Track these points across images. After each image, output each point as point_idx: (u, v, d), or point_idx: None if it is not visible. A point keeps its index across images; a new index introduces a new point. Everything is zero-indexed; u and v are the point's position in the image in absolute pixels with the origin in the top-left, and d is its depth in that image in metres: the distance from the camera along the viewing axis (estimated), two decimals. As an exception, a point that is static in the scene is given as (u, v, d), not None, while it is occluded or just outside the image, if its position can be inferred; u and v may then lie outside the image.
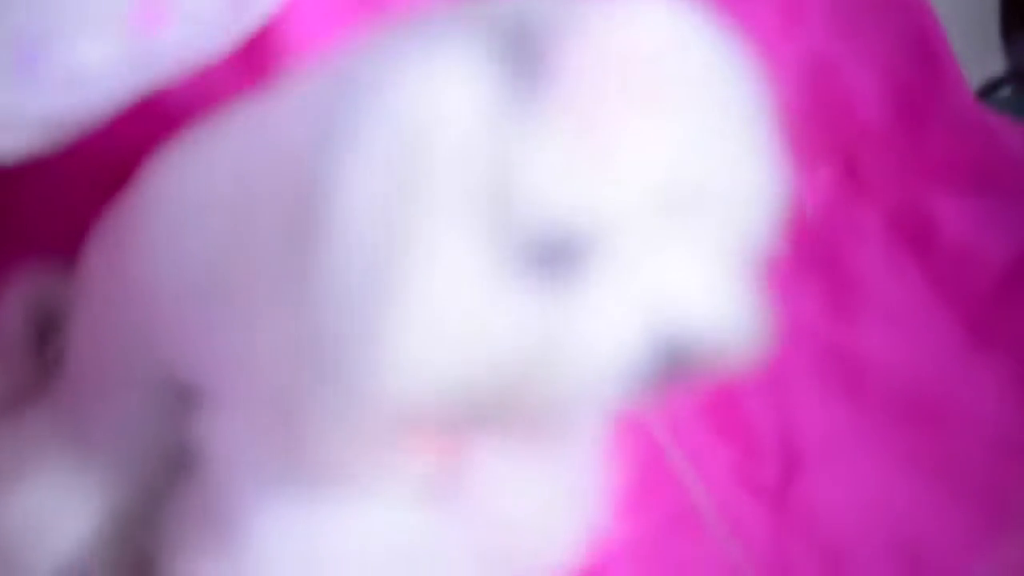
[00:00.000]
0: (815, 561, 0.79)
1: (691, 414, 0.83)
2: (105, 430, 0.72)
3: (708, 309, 0.50)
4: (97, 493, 0.72)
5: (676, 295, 0.49)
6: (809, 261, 0.89)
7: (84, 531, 0.72)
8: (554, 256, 0.49)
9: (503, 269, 0.50)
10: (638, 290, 0.49)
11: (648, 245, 0.49)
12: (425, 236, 0.49)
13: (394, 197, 0.49)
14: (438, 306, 0.49)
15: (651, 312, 0.49)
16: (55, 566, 0.72)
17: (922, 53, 0.90)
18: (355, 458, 0.56)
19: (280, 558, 0.61)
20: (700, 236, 0.50)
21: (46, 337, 0.79)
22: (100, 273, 0.73)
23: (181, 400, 0.66)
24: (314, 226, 0.50)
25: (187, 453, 0.66)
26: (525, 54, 0.50)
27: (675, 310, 0.49)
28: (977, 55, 1.24)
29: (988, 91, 1.23)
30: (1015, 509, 0.79)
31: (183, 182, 0.66)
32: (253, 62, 0.79)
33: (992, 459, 0.81)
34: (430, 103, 0.49)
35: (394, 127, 0.49)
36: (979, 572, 0.78)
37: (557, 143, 0.48)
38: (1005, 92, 1.21)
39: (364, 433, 0.54)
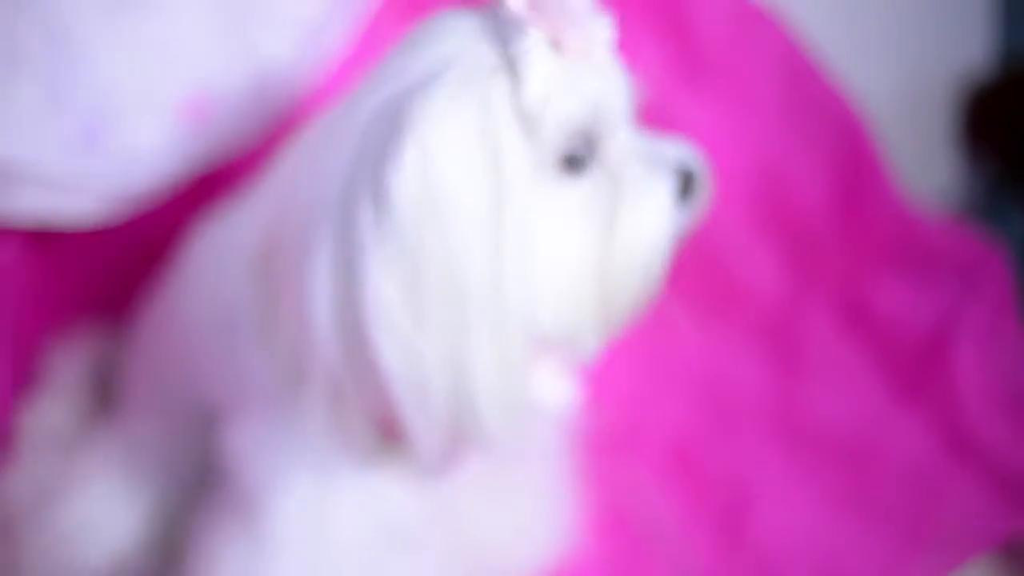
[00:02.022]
0: None
1: (655, 457, 0.96)
2: (148, 448, 0.85)
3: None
4: (140, 501, 0.85)
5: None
6: (762, 332, 1.03)
7: (129, 533, 0.85)
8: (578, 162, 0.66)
9: (561, 191, 0.66)
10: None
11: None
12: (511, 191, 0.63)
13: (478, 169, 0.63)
14: (540, 243, 0.65)
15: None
16: (102, 564, 0.85)
17: (857, 158, 1.03)
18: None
19: (293, 535, 0.73)
20: None
21: (100, 380, 0.94)
22: (149, 327, 0.87)
23: (207, 421, 0.80)
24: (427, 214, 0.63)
25: (212, 465, 0.80)
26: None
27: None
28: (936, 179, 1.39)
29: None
30: (927, 536, 0.90)
31: (216, 241, 0.81)
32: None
33: (908, 494, 0.92)
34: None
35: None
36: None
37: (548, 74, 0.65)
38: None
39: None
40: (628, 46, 0.99)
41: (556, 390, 0.78)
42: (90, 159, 0.86)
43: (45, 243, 0.93)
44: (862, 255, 1.03)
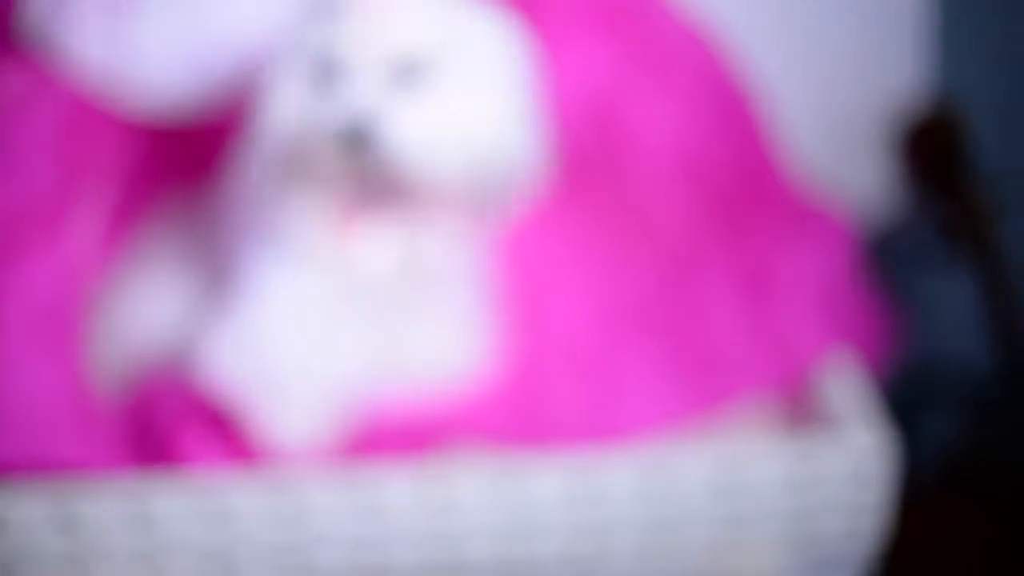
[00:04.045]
0: None
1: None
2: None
3: None
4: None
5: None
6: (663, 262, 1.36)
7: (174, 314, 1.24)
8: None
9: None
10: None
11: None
12: None
13: None
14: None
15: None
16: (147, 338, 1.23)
17: (753, 133, 1.36)
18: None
19: (268, 301, 1.15)
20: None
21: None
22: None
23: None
24: None
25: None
26: None
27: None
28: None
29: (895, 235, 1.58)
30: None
31: None
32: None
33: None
34: None
35: None
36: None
37: None
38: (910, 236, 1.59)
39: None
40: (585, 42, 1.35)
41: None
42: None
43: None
44: (749, 209, 1.35)
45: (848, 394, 1.15)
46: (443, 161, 1.08)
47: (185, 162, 1.32)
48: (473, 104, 1.09)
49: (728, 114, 1.36)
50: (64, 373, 1.15)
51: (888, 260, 1.44)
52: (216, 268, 1.23)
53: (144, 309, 1.25)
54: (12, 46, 1.27)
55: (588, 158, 1.37)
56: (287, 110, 1.10)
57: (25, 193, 1.22)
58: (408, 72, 1.07)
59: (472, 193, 1.12)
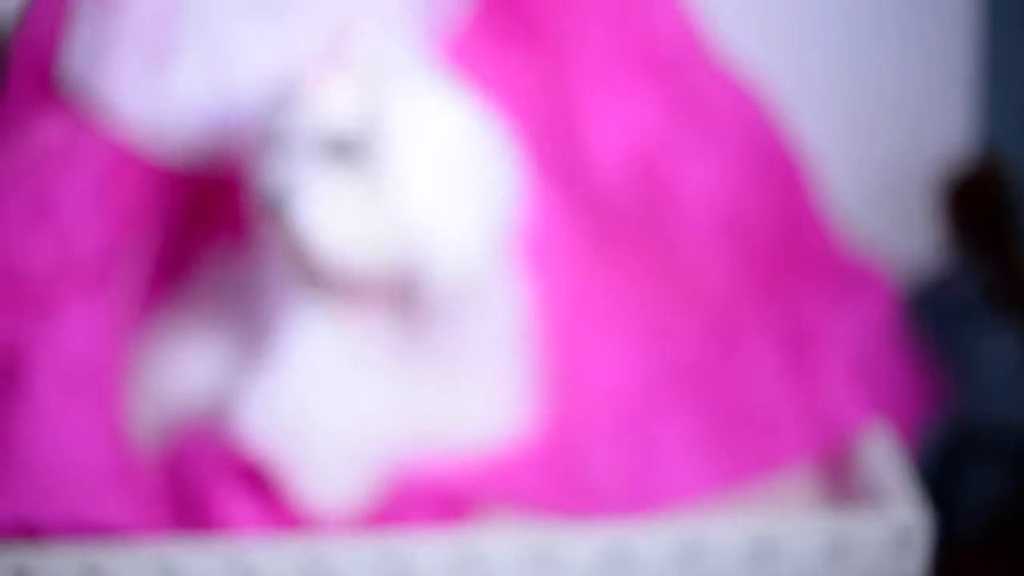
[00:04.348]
0: None
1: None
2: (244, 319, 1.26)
3: None
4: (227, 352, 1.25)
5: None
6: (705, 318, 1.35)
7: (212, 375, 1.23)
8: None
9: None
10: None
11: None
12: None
13: None
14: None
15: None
16: (185, 399, 1.22)
17: (799, 194, 1.35)
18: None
19: (302, 360, 1.15)
20: None
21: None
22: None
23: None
24: None
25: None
26: None
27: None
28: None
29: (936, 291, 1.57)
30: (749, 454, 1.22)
31: None
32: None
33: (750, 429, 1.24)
34: None
35: None
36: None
37: None
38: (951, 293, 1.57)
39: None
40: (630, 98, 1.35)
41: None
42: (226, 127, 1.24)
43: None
44: (793, 268, 1.34)
45: (887, 464, 1.14)
46: (356, 246, 1.07)
47: (225, 217, 1.32)
48: (404, 189, 1.07)
49: (773, 172, 1.35)
50: (102, 431, 1.15)
51: (931, 317, 1.43)
52: (253, 325, 1.23)
53: (182, 367, 1.26)
54: (52, 97, 1.28)
55: (631, 216, 1.36)
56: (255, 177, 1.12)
57: (66, 247, 1.23)
58: (338, 150, 1.06)
59: (393, 284, 1.10)
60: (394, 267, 1.08)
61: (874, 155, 1.51)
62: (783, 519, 1.08)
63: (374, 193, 1.06)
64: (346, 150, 1.06)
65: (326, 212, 1.06)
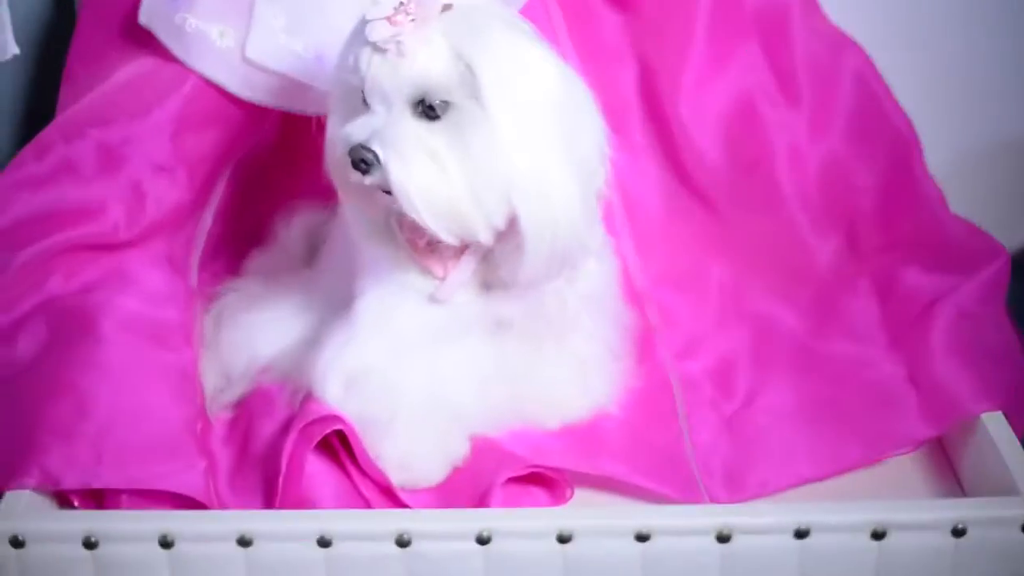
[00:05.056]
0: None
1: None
2: (318, 289, 1.22)
3: None
4: (302, 317, 1.21)
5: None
6: (809, 289, 1.30)
7: (291, 335, 1.20)
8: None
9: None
10: None
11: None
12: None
13: None
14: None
15: None
16: (271, 354, 1.20)
17: (905, 164, 1.29)
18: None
19: (368, 323, 1.11)
20: None
21: (310, 244, 1.32)
22: (341, 214, 1.21)
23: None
24: None
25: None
26: None
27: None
28: (1013, 221, 1.53)
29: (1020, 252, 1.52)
30: (869, 435, 1.15)
31: None
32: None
33: (866, 405, 1.18)
34: None
35: None
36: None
37: None
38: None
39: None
40: (736, 59, 1.31)
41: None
42: (313, 70, 1.23)
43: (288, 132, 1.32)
44: (898, 240, 1.30)
45: (1009, 448, 1.07)
46: (446, 196, 1.01)
47: (303, 175, 1.28)
48: (506, 144, 1.00)
49: (875, 137, 1.29)
50: (174, 398, 1.12)
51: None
52: (333, 288, 1.18)
53: (258, 328, 1.21)
54: (125, 38, 1.26)
55: (727, 181, 1.31)
56: (331, 134, 1.06)
57: (139, 203, 1.21)
58: (434, 104, 1.01)
59: (472, 235, 1.04)
60: (491, 222, 1.02)
61: (974, 132, 1.48)
62: (904, 505, 1.02)
63: (471, 148, 1.00)
64: (441, 104, 1.01)
65: (422, 167, 1.00)
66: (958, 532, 0.99)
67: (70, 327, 1.14)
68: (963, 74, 1.48)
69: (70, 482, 1.03)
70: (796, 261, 1.31)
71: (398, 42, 0.99)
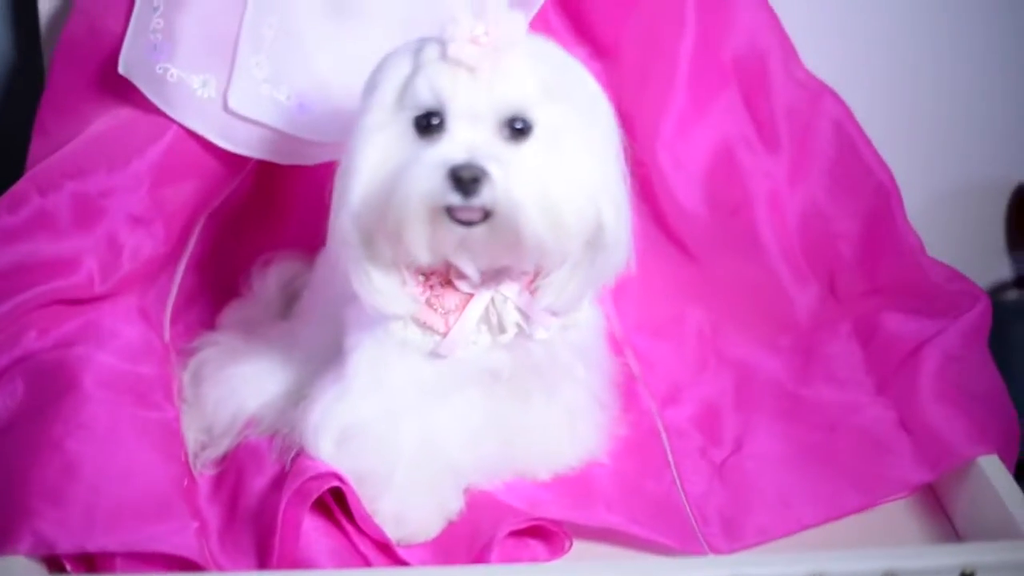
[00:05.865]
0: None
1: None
2: (304, 341, 1.20)
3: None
4: (288, 369, 1.19)
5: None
6: (791, 336, 1.31)
7: (277, 388, 1.19)
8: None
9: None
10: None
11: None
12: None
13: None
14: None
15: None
16: (255, 408, 1.19)
17: (885, 210, 1.30)
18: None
19: (361, 378, 1.09)
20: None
21: (288, 294, 1.30)
22: (322, 265, 1.21)
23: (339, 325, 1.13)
24: None
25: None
26: None
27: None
28: (986, 263, 1.55)
29: (995, 293, 1.54)
30: (863, 481, 1.16)
31: None
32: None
33: (859, 451, 1.18)
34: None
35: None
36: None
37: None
38: (1012, 295, 1.57)
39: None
40: (715, 107, 1.32)
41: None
42: (296, 120, 1.22)
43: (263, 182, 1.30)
44: (879, 286, 1.31)
45: (1006, 490, 1.08)
46: (555, 208, 1.00)
47: (287, 220, 1.28)
48: (574, 160, 1.02)
49: (854, 183, 1.30)
50: (160, 455, 1.09)
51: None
52: (322, 341, 1.16)
53: (243, 381, 1.19)
54: (100, 89, 1.24)
55: (709, 227, 1.32)
56: (380, 161, 1.02)
57: (115, 256, 1.19)
58: (512, 125, 1.00)
59: (572, 248, 1.04)
60: (585, 234, 1.02)
61: (949, 175, 1.51)
62: (916, 551, 1.02)
63: (564, 162, 1.01)
64: (525, 123, 1.00)
65: (533, 181, 0.99)
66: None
67: (50, 384, 1.11)
68: (933, 117, 1.49)
69: (65, 546, 0.99)
70: (776, 307, 1.32)
71: (492, 62, 0.99)
